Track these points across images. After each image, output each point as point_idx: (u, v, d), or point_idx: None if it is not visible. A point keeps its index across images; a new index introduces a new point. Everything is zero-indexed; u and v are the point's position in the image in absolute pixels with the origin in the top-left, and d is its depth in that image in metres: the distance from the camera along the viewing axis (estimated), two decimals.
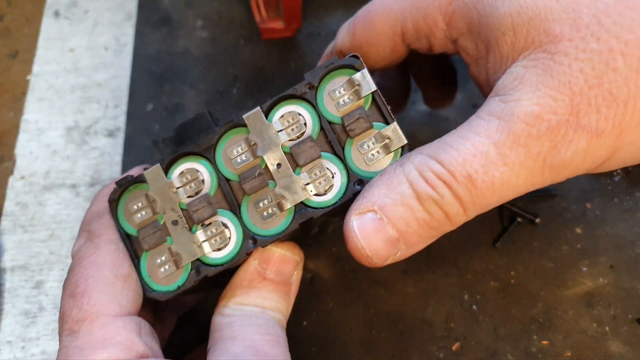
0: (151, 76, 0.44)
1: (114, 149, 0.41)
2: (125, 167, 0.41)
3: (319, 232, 0.30)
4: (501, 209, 0.37)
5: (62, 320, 0.22)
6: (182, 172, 0.24)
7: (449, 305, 0.35)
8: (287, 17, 0.43)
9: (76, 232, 0.39)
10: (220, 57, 0.45)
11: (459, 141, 0.19)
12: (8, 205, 0.40)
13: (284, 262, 0.25)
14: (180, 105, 0.43)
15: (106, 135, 0.42)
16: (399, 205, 0.20)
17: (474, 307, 0.35)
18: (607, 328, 0.34)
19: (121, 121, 0.42)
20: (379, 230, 0.20)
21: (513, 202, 0.37)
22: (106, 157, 0.41)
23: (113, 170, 0.41)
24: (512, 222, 0.36)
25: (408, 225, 0.20)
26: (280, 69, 0.44)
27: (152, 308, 0.27)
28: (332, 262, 0.36)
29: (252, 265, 0.24)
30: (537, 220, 0.36)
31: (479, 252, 0.36)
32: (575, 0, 0.18)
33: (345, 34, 0.26)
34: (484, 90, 0.24)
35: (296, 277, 0.26)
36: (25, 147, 0.42)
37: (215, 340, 0.23)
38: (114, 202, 0.24)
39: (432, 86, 0.32)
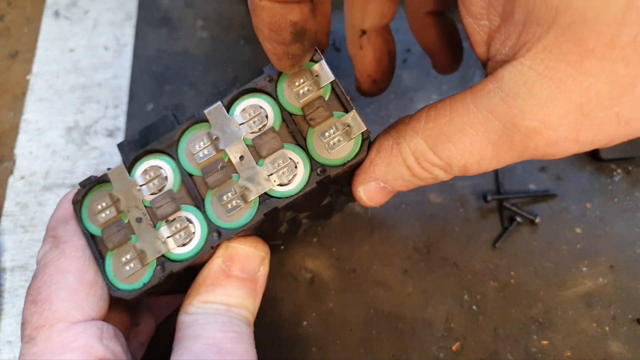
0: (151, 76, 0.44)
1: (114, 149, 0.41)
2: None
3: (289, 231, 0.30)
4: (501, 209, 0.37)
5: (23, 328, 0.22)
6: (145, 170, 0.24)
7: (449, 305, 0.35)
8: None
9: None
10: (220, 57, 0.45)
11: (457, 135, 0.20)
12: (8, 205, 0.40)
13: (248, 259, 0.25)
14: (181, 105, 0.43)
15: (106, 135, 0.42)
16: (399, 179, 0.22)
17: (474, 307, 0.35)
18: (607, 328, 0.34)
19: (121, 121, 0.42)
20: (382, 192, 0.24)
21: (513, 202, 0.37)
22: (106, 157, 0.41)
23: None
24: (512, 222, 0.36)
25: (407, 188, 0.23)
26: None
27: (125, 311, 0.27)
28: (332, 262, 0.36)
29: (215, 263, 0.24)
30: (537, 220, 0.36)
31: (479, 252, 0.36)
32: (622, 15, 0.16)
33: None
34: (475, 47, 0.22)
35: (262, 272, 0.26)
36: (25, 147, 0.42)
37: (179, 339, 0.23)
38: (77, 203, 0.24)
39: (439, 51, 0.31)
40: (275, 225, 0.27)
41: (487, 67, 0.20)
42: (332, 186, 0.26)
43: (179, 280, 0.25)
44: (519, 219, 0.36)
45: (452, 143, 0.20)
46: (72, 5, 0.48)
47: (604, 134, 0.18)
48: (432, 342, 0.34)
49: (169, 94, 0.43)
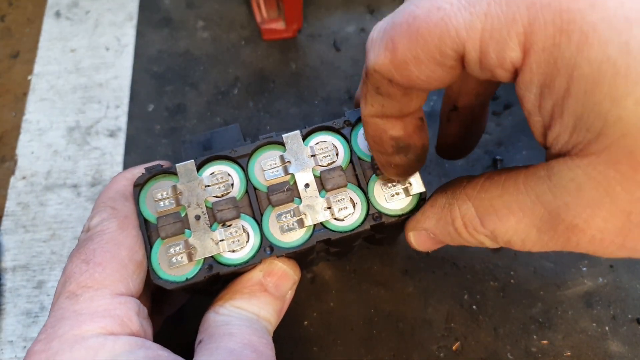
0: (152, 76, 0.44)
1: (115, 149, 0.41)
2: (127, 167, 0.41)
3: (309, 262, 0.32)
4: None
5: (65, 282, 0.22)
6: (213, 173, 0.25)
7: (449, 305, 0.35)
8: (288, 18, 0.43)
9: (78, 232, 0.39)
10: (221, 58, 0.45)
11: (504, 211, 0.20)
12: (9, 205, 0.40)
13: (284, 278, 0.26)
14: (182, 105, 0.43)
15: (107, 135, 0.42)
16: (446, 236, 0.23)
17: (474, 307, 0.35)
18: (606, 328, 0.34)
19: (122, 121, 0.43)
20: (432, 241, 0.25)
21: None
22: (107, 158, 0.41)
23: (114, 171, 0.41)
24: None
25: (454, 244, 0.24)
26: (281, 69, 0.44)
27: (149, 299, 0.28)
28: (333, 262, 0.36)
29: (256, 275, 0.25)
30: None
31: (478, 252, 0.36)
32: None
33: (382, 50, 0.19)
34: (534, 134, 0.21)
35: (289, 295, 0.27)
36: (27, 147, 0.42)
37: (210, 334, 0.23)
38: (139, 186, 0.25)
39: (454, 140, 0.30)
40: (310, 254, 0.28)
41: (546, 154, 0.20)
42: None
43: (212, 284, 0.26)
44: None
45: (499, 218, 0.20)
46: (73, 5, 0.48)
47: None
48: (432, 341, 0.34)
49: (170, 95, 0.43)
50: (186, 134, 0.42)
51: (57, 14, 0.47)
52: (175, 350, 0.23)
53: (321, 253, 0.33)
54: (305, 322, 0.35)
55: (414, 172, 0.25)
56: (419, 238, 0.25)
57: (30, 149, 0.42)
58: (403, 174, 0.24)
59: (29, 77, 0.45)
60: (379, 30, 0.20)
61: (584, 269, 0.35)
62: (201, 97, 0.43)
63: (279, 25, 0.44)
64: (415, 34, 0.18)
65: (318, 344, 0.34)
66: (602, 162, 0.16)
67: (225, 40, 0.46)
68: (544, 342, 0.34)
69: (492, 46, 0.17)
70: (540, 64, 0.16)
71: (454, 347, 0.34)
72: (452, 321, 0.34)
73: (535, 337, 0.34)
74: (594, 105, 0.15)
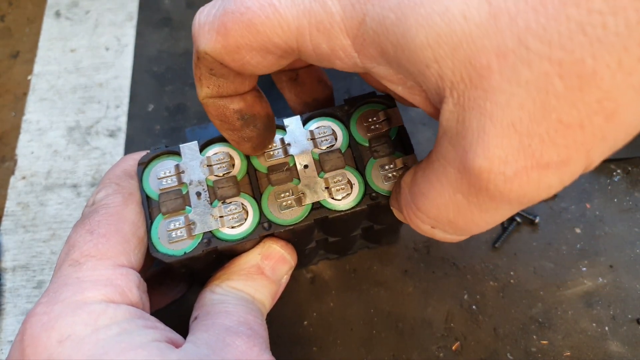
0: (152, 76, 0.44)
1: (115, 149, 0.41)
2: None
3: (307, 256, 0.32)
4: None
5: (69, 251, 0.23)
6: (215, 153, 0.26)
7: (449, 305, 0.35)
8: None
9: None
10: None
11: (427, 187, 0.20)
12: (9, 205, 0.40)
13: (281, 262, 0.26)
14: (182, 105, 0.43)
15: (107, 135, 0.42)
16: (414, 227, 0.23)
17: (474, 307, 0.35)
18: (606, 328, 0.34)
19: (122, 121, 0.43)
20: (403, 217, 0.24)
21: None
22: (107, 158, 0.41)
23: None
24: (512, 222, 0.36)
25: (428, 235, 0.23)
26: None
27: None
28: (333, 262, 0.36)
29: (254, 257, 0.26)
30: (537, 220, 0.36)
31: (478, 252, 0.36)
32: (494, 22, 0.14)
33: (213, 34, 0.19)
34: (422, 108, 0.20)
35: (284, 280, 0.27)
36: (27, 147, 0.42)
37: (206, 311, 0.23)
38: (143, 164, 0.26)
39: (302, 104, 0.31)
40: (308, 240, 0.29)
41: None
42: (365, 221, 0.29)
43: (209, 265, 0.26)
44: (518, 219, 0.36)
45: (427, 197, 0.19)
46: (73, 5, 0.48)
47: (567, 146, 0.15)
48: (432, 341, 0.34)
49: (170, 94, 0.43)
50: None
51: (57, 14, 0.47)
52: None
53: (321, 251, 0.33)
54: (305, 322, 0.35)
55: (269, 142, 0.26)
56: (398, 215, 0.25)
57: (30, 149, 0.42)
58: (258, 147, 0.25)
59: (29, 77, 0.45)
60: (207, 13, 0.19)
61: (584, 269, 0.35)
62: None
63: None
64: (248, 23, 0.18)
65: (318, 344, 0.34)
66: (464, 87, 0.16)
67: None
68: (544, 342, 0.34)
69: (321, 38, 0.18)
70: (365, 40, 0.17)
71: (453, 347, 0.34)
72: (451, 321, 0.34)
73: (535, 337, 0.34)
74: (415, 44, 0.16)
